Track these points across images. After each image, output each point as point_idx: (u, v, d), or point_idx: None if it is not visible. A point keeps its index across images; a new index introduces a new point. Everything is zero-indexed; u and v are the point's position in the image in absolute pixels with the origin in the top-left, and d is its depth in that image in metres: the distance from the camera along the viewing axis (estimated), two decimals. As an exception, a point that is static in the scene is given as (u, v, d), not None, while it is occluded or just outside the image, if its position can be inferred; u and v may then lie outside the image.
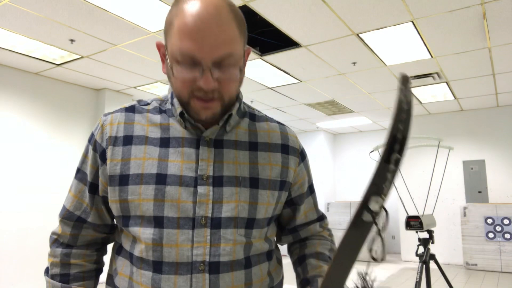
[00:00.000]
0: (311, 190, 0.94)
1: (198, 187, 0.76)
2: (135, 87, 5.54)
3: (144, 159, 0.77)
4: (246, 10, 3.26)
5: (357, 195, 8.78)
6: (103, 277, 0.90)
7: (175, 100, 0.81)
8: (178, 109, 0.79)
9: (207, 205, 0.75)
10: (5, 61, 4.52)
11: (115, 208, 0.79)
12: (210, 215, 0.75)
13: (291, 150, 0.88)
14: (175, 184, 0.75)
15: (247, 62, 5.20)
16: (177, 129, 0.80)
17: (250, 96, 5.89)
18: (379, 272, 6.12)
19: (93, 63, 4.58)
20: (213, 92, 0.73)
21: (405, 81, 0.55)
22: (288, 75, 5.00)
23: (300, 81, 5.24)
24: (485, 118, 6.80)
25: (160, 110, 0.84)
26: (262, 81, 5.21)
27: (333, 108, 6.75)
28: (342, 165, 9.14)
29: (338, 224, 7.51)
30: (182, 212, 0.74)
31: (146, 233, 0.75)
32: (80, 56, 4.37)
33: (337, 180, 9.14)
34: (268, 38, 3.95)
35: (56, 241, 0.85)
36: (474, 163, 6.76)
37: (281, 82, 5.27)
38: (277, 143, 0.87)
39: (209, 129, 0.80)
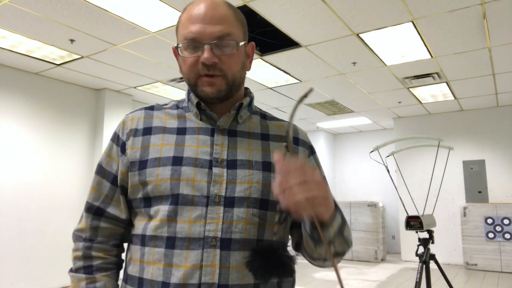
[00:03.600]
0: None
1: (213, 168, 0.80)
2: (135, 87, 5.54)
3: (162, 145, 0.83)
4: (246, 10, 3.26)
5: (357, 195, 8.78)
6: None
7: (191, 95, 0.88)
8: (195, 100, 0.86)
9: (221, 185, 0.79)
10: (5, 61, 4.52)
11: (137, 192, 0.83)
12: (224, 194, 0.79)
13: (301, 142, 0.93)
14: (190, 165, 0.80)
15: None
16: (193, 121, 0.87)
17: (250, 96, 5.88)
18: (379, 272, 6.12)
19: (93, 63, 4.58)
20: (214, 68, 0.80)
21: (306, 95, 0.64)
22: (288, 75, 5.00)
23: (300, 81, 5.24)
24: (485, 118, 6.80)
25: (177, 107, 0.91)
26: (262, 81, 5.21)
27: (333, 108, 6.75)
28: (342, 165, 9.14)
29: (338, 224, 7.49)
30: (196, 190, 0.78)
31: (162, 209, 0.79)
32: (80, 56, 4.37)
33: (337, 180, 9.14)
34: (268, 38, 3.95)
35: (78, 237, 0.88)
36: (474, 163, 6.76)
37: (281, 82, 5.28)
38: None
39: (222, 118, 0.86)
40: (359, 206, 7.41)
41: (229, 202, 0.78)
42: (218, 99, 0.83)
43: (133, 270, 0.81)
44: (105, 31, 3.71)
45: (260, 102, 6.27)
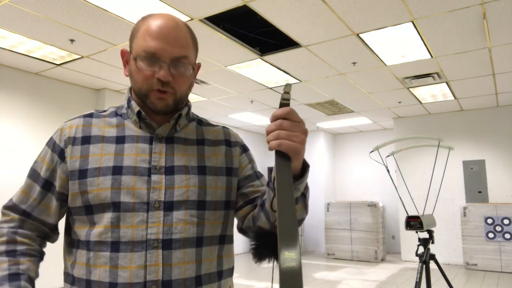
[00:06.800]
0: (257, 175, 1.01)
1: (151, 175, 0.85)
2: (135, 87, 5.54)
3: (101, 155, 0.86)
4: (246, 10, 3.26)
5: (357, 195, 8.78)
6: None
7: (132, 102, 0.92)
8: (136, 108, 0.90)
9: (160, 191, 0.85)
10: (5, 61, 4.52)
11: (77, 200, 0.86)
12: (163, 199, 0.84)
13: (233, 143, 1.01)
14: (130, 174, 0.85)
15: (247, 62, 5.17)
16: (131, 129, 0.90)
17: (250, 96, 5.89)
18: (379, 272, 6.12)
19: (93, 63, 4.58)
20: (168, 86, 0.85)
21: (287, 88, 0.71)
22: (288, 75, 5.00)
23: (300, 81, 5.25)
24: (485, 118, 6.80)
25: (116, 114, 0.94)
26: (262, 81, 5.21)
27: (333, 108, 6.75)
28: (342, 165, 9.14)
29: (338, 224, 7.50)
30: (137, 198, 0.83)
31: (105, 217, 0.83)
32: (80, 56, 4.37)
33: (337, 180, 9.14)
34: (268, 38, 3.95)
35: (1, 224, 0.89)
36: (474, 163, 6.76)
37: (281, 82, 5.28)
38: (221, 139, 1.00)
39: (161, 127, 0.90)
40: (359, 206, 7.41)
41: (168, 206, 0.84)
42: (165, 112, 0.88)
43: (80, 273, 0.84)
44: (105, 31, 3.71)
45: (260, 102, 6.27)
